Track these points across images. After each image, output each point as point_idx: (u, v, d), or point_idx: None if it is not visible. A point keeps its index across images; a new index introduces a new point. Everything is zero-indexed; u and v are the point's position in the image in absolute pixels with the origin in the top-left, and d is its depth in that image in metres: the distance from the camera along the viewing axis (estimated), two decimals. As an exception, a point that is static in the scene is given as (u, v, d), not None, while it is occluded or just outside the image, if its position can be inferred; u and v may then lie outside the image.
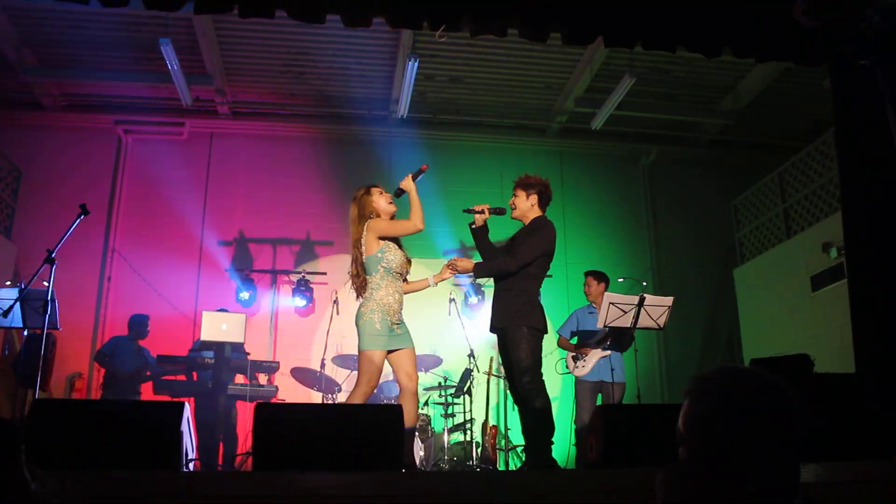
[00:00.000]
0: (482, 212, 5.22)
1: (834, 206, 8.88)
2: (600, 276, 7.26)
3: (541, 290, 5.18)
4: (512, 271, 4.96)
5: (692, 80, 10.11)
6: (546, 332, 5.05)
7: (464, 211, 5.32)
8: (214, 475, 4.09)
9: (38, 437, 3.16)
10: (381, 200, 4.99)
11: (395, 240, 4.98)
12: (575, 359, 6.98)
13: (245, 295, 9.83)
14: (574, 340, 7.20)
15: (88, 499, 2.85)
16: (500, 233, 5.54)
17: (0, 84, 9.87)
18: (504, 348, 5.03)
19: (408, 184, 4.97)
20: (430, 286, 5.17)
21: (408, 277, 5.10)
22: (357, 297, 4.96)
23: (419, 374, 8.24)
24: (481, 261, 5.18)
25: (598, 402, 6.87)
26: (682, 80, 10.10)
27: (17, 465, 1.78)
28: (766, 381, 1.50)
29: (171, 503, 2.90)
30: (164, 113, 10.55)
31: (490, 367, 8.06)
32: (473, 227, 5.32)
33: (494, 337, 5.30)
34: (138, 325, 8.13)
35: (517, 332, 4.86)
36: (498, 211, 5.21)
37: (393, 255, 4.86)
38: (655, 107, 10.57)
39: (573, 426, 7.07)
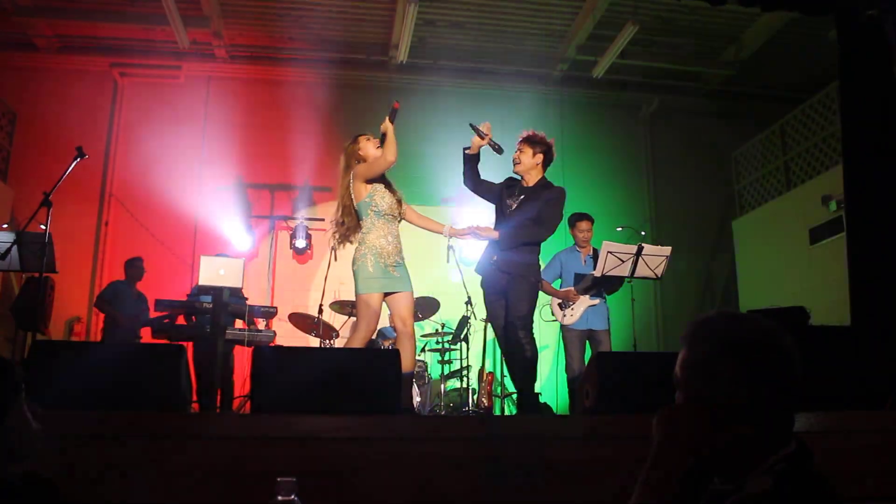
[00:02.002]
0: (483, 137, 5.14)
1: (835, 160, 8.85)
2: (591, 219, 7.14)
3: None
4: (541, 241, 5.09)
5: (696, 29, 9.99)
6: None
7: (469, 124, 5.25)
8: (213, 417, 4.13)
9: (37, 377, 3.18)
10: (368, 147, 5.01)
11: (387, 183, 5.02)
12: (562, 306, 6.89)
13: (243, 241, 9.84)
14: (557, 284, 7.05)
15: (87, 439, 2.88)
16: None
17: (-7, 25, 9.74)
18: (500, 292, 5.07)
19: (385, 125, 4.93)
20: (442, 234, 5.16)
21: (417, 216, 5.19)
22: (339, 245, 5.08)
23: (418, 319, 8.31)
24: (507, 230, 5.10)
25: (587, 349, 6.87)
26: (685, 28, 9.97)
27: (17, 404, 1.79)
28: (763, 326, 1.50)
29: (170, 444, 2.93)
30: (160, 56, 10.42)
31: (487, 315, 8.08)
32: (468, 151, 5.30)
33: None
34: (133, 267, 8.13)
35: (524, 283, 4.95)
36: (497, 147, 5.15)
37: (381, 197, 4.89)
38: (658, 56, 10.45)
39: (562, 372, 7.08)
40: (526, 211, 5.08)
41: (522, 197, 5.16)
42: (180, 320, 7.50)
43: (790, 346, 1.48)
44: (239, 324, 7.50)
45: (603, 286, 6.76)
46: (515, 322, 4.88)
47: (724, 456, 1.48)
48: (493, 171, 5.47)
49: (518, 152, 5.23)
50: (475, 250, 9.97)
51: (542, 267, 7.05)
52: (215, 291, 6.42)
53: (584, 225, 7.06)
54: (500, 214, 5.25)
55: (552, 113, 10.90)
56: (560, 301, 6.88)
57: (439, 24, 9.94)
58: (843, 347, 4.21)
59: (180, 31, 9.25)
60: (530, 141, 5.23)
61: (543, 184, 5.20)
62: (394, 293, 4.83)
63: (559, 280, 7.04)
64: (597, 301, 6.77)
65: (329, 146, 10.13)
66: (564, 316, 6.83)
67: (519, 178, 5.29)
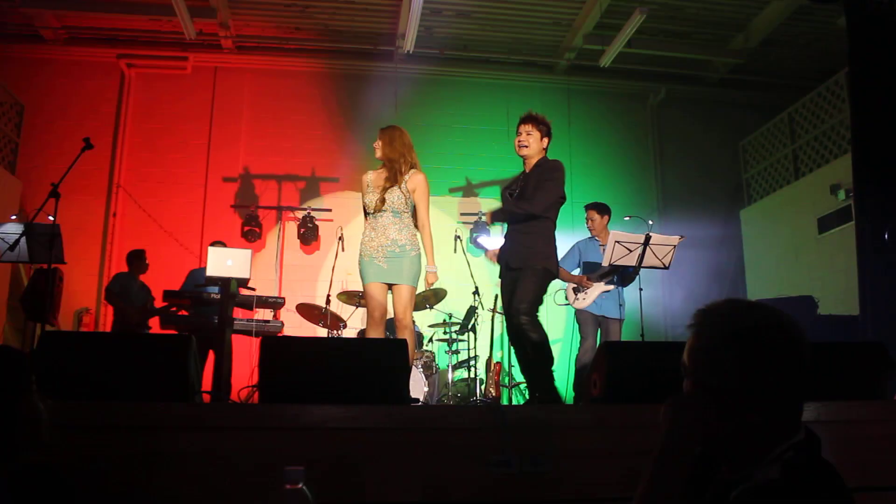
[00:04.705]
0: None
1: (843, 148, 8.82)
2: (602, 209, 7.16)
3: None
4: (536, 213, 4.87)
5: (703, 17, 9.94)
6: (556, 277, 5.10)
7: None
8: (221, 407, 4.13)
9: (46, 367, 3.19)
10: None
11: (382, 179, 5.20)
12: (576, 290, 6.94)
13: (250, 231, 9.85)
14: (576, 272, 7.12)
15: (96, 430, 2.89)
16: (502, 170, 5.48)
17: (-1, 16, 9.76)
18: (510, 287, 4.96)
19: None
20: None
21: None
22: None
23: (426, 310, 8.31)
24: (495, 211, 5.11)
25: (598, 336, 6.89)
26: (692, 17, 9.92)
27: (28, 394, 1.80)
28: (771, 313, 1.49)
29: (179, 434, 2.94)
30: (167, 47, 10.45)
31: (494, 305, 8.09)
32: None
33: (497, 273, 5.27)
34: (138, 260, 8.14)
35: (528, 271, 4.83)
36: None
37: (366, 197, 5.20)
38: (665, 44, 10.41)
39: (573, 363, 7.08)
40: (526, 190, 4.97)
41: (522, 183, 5.04)
42: (187, 311, 7.52)
43: (798, 334, 1.47)
44: (247, 314, 7.52)
45: (617, 276, 6.77)
46: (518, 308, 4.78)
47: (732, 444, 1.48)
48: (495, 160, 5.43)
49: (526, 135, 5.00)
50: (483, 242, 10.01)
51: (562, 256, 7.07)
52: (223, 282, 6.42)
53: (589, 214, 7.12)
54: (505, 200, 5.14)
55: (559, 102, 10.86)
56: (575, 286, 6.92)
57: (446, 13, 9.91)
58: (851, 336, 4.20)
59: (187, 21, 9.24)
60: (538, 122, 5.02)
61: (539, 163, 5.02)
62: (381, 283, 5.06)
63: (578, 269, 7.07)
64: (610, 287, 6.77)
65: (336, 137, 10.16)
66: (577, 300, 6.86)
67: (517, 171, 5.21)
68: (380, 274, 5.01)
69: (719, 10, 9.76)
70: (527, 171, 5.10)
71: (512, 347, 5.23)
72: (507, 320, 5.07)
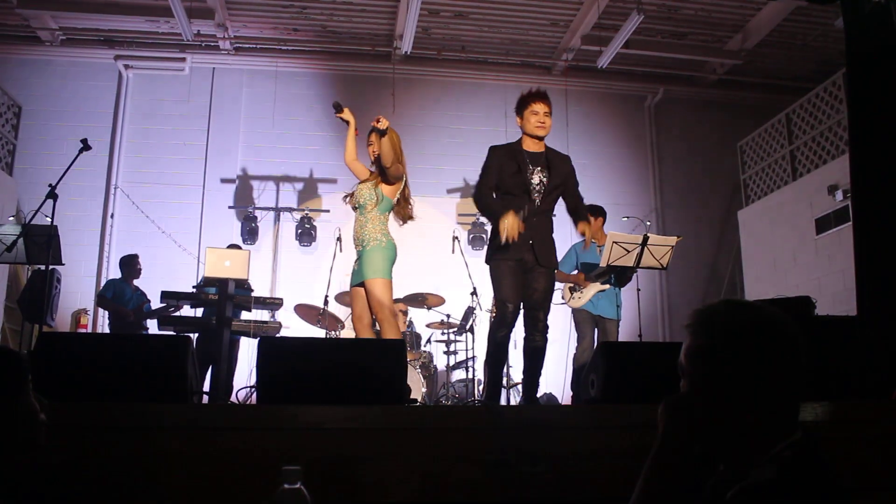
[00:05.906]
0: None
1: (841, 149, 8.83)
2: (596, 211, 7.13)
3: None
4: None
5: (701, 18, 9.95)
6: None
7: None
8: (219, 408, 4.13)
9: (44, 368, 3.19)
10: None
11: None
12: (572, 290, 6.94)
13: (248, 232, 9.85)
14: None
15: (93, 430, 2.89)
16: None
17: (-3, 18, 9.76)
18: (535, 284, 4.67)
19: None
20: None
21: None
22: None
23: (422, 311, 8.31)
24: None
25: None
26: (690, 18, 9.94)
27: (25, 395, 1.80)
28: (768, 314, 1.49)
29: (177, 435, 2.94)
30: (164, 48, 10.45)
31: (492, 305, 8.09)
32: None
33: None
34: (127, 265, 8.11)
35: (554, 275, 4.80)
36: None
37: None
38: (663, 46, 10.42)
39: (570, 363, 7.07)
40: (556, 178, 4.76)
41: (548, 165, 4.79)
42: (186, 312, 7.51)
43: (795, 334, 1.47)
44: (245, 315, 7.52)
45: (613, 276, 6.76)
46: (545, 312, 4.73)
47: (729, 444, 1.48)
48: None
49: (544, 114, 4.78)
50: (481, 241, 10.02)
51: (560, 258, 6.98)
52: (221, 283, 6.41)
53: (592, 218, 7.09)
54: (523, 185, 4.70)
55: (557, 103, 10.80)
56: (571, 285, 6.92)
57: (443, 14, 9.92)
58: (849, 337, 4.20)
59: (185, 22, 9.25)
60: (551, 102, 4.85)
61: (554, 150, 4.90)
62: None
63: (576, 271, 7.07)
64: (606, 287, 6.77)
65: (333, 138, 10.14)
66: (573, 299, 6.86)
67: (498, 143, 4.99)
68: (354, 277, 5.01)
69: (717, 12, 9.78)
70: (535, 150, 4.84)
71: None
72: (529, 315, 4.72)
